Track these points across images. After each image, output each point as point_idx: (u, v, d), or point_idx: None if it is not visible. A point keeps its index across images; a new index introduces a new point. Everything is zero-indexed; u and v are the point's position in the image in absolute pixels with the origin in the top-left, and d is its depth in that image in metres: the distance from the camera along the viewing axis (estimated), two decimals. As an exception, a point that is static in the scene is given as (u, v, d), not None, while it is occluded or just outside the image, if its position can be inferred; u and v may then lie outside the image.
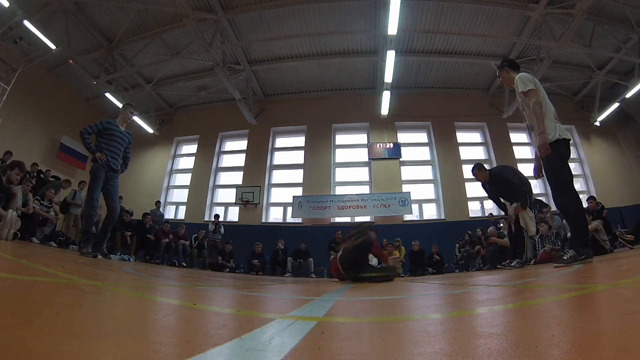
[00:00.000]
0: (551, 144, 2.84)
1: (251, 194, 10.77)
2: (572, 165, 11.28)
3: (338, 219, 10.24)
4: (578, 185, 10.98)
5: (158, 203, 9.61)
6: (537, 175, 3.30)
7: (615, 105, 10.03)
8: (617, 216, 8.74)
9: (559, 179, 2.88)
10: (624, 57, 8.86)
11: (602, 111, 10.47)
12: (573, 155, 11.02)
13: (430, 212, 10.70)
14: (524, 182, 4.71)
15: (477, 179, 4.80)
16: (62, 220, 7.49)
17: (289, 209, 10.69)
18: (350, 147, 11.63)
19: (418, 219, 10.50)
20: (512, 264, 4.45)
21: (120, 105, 10.17)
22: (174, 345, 0.55)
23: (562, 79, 10.56)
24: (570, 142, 2.96)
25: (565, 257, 2.83)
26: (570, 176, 2.90)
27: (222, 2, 8.11)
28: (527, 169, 5.35)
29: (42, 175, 7.45)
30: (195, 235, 8.68)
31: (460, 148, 11.08)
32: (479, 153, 11.38)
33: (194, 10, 7.84)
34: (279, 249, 8.50)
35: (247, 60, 10.15)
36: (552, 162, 2.89)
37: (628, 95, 9.57)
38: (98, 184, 3.94)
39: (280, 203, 11.08)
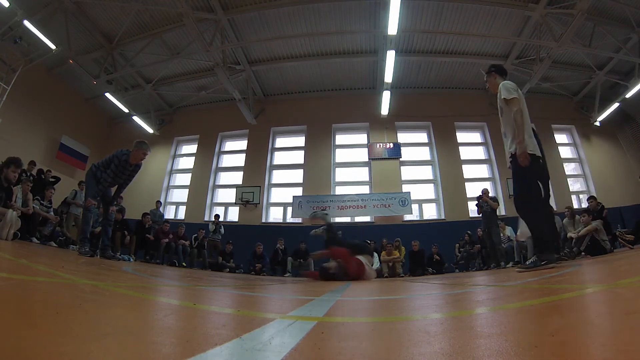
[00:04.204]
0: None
1: (251, 194, 10.77)
2: (572, 165, 11.13)
3: (338, 219, 10.22)
4: (578, 185, 10.97)
5: (158, 203, 9.60)
6: None
7: (615, 105, 10.01)
8: (617, 216, 8.73)
9: (524, 191, 2.98)
10: (624, 57, 8.84)
11: (602, 111, 10.45)
12: (573, 155, 11.13)
13: (430, 212, 10.70)
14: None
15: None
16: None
17: (289, 209, 10.69)
18: (350, 147, 11.62)
19: (418, 219, 10.50)
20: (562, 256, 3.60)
21: (122, 107, 10.38)
22: (174, 345, 0.56)
23: (562, 79, 10.54)
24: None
25: (527, 262, 2.95)
26: (537, 192, 2.99)
27: (222, 2, 8.10)
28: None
29: (42, 176, 7.43)
30: (195, 235, 8.68)
31: (460, 148, 11.07)
32: (479, 153, 11.38)
33: (194, 10, 7.84)
34: (279, 249, 8.50)
35: (247, 60, 10.14)
36: (525, 174, 2.94)
37: (628, 95, 9.55)
38: (93, 189, 4.42)
39: (280, 203, 11.08)
